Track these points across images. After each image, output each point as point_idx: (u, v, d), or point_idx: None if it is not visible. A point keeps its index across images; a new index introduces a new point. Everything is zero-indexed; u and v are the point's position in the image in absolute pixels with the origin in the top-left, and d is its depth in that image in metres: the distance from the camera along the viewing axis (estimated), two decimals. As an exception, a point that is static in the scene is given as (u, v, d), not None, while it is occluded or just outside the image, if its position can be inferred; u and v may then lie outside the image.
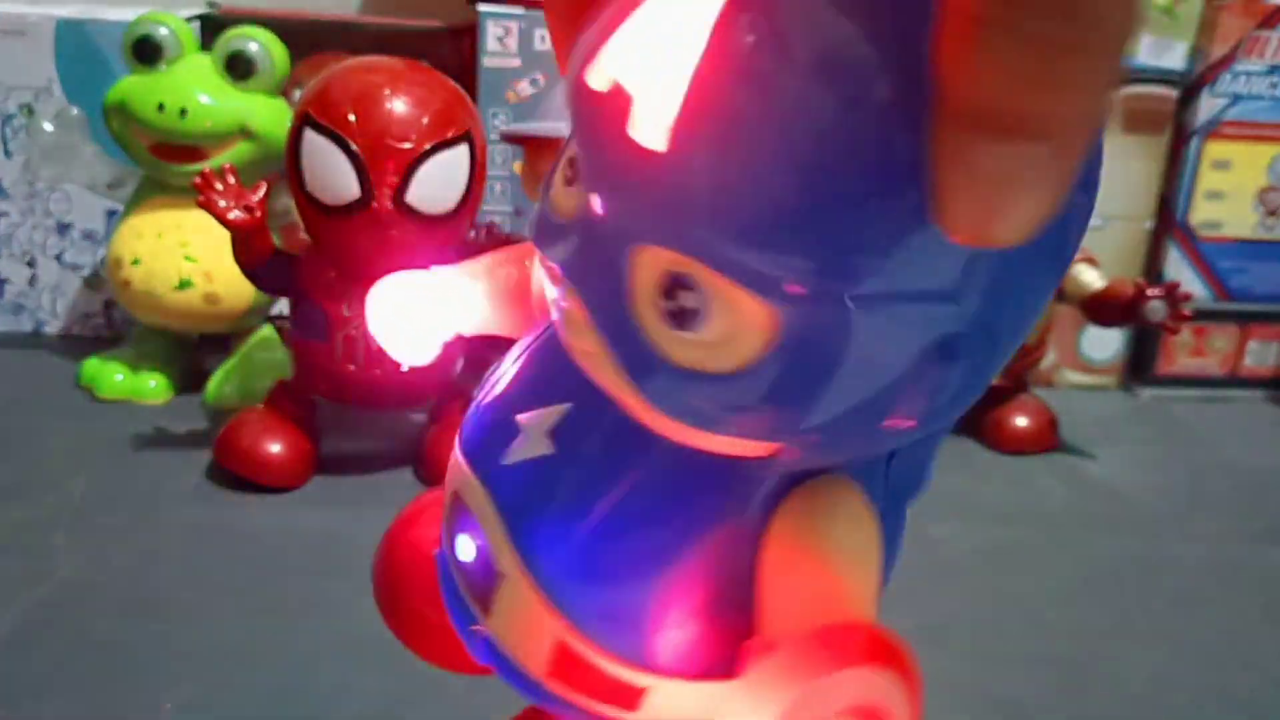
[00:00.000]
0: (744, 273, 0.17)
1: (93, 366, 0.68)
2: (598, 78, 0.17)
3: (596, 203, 0.18)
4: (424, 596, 0.27)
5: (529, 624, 0.22)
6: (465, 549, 0.23)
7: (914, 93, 0.15)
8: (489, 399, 0.24)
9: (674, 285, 0.17)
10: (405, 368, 0.29)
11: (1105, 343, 0.82)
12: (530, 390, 0.23)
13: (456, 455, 0.24)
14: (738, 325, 0.17)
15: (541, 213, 0.20)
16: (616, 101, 0.17)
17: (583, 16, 0.18)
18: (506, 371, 0.24)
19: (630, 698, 0.22)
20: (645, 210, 0.17)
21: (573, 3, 0.19)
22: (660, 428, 0.20)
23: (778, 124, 0.15)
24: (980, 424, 0.69)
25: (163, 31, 0.65)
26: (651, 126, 0.16)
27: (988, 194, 0.14)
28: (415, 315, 0.27)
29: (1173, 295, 0.61)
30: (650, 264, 0.18)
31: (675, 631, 0.21)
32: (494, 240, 0.69)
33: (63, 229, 0.76)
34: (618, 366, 0.19)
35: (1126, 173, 0.79)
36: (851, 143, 0.15)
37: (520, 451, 0.22)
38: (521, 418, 0.22)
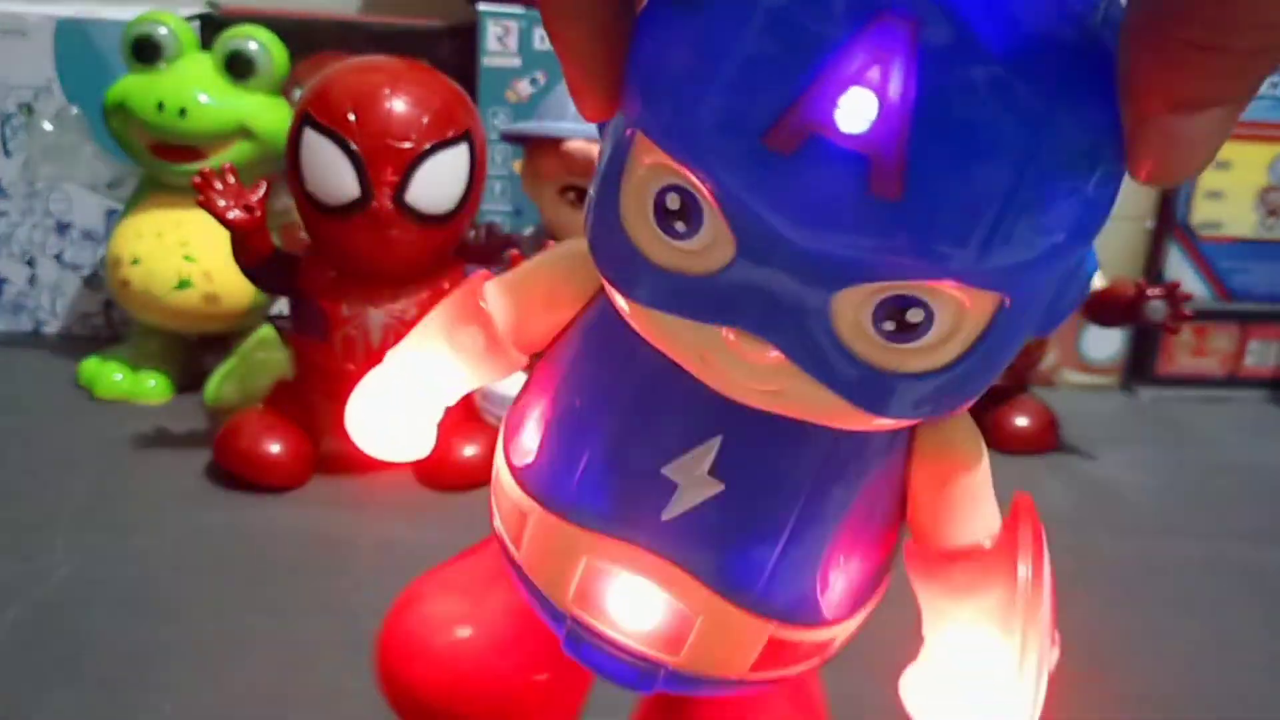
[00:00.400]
0: (979, 276, 0.18)
1: (92, 366, 0.68)
2: (788, 138, 0.16)
3: (782, 259, 0.18)
4: (453, 696, 0.28)
5: (736, 642, 0.23)
6: (633, 612, 0.23)
7: (1105, 82, 0.16)
8: (585, 466, 0.23)
9: (893, 307, 0.18)
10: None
11: (1105, 343, 0.82)
12: (650, 439, 0.22)
13: (571, 530, 0.23)
14: (962, 320, 0.18)
15: (637, 269, 0.20)
16: (827, 159, 0.16)
17: (613, 57, 0.19)
18: (572, 431, 0.23)
19: (823, 649, 0.24)
20: (870, 254, 0.17)
21: (603, 44, 0.19)
22: (854, 427, 0.21)
23: (1001, 139, 0.16)
24: (980, 424, 0.69)
25: (162, 31, 0.64)
26: (886, 177, 0.16)
27: (1181, 149, 0.17)
28: (399, 415, 0.27)
29: (1173, 295, 0.61)
30: (861, 298, 0.18)
31: (854, 581, 0.23)
32: (494, 239, 0.69)
33: (62, 229, 0.76)
34: (834, 395, 0.19)
35: (1127, 172, 0.79)
36: (1063, 135, 0.17)
37: (684, 502, 0.22)
38: (669, 470, 0.22)
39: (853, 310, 0.18)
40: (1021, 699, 0.22)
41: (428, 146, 0.53)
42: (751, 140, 0.17)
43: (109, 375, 0.67)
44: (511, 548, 0.25)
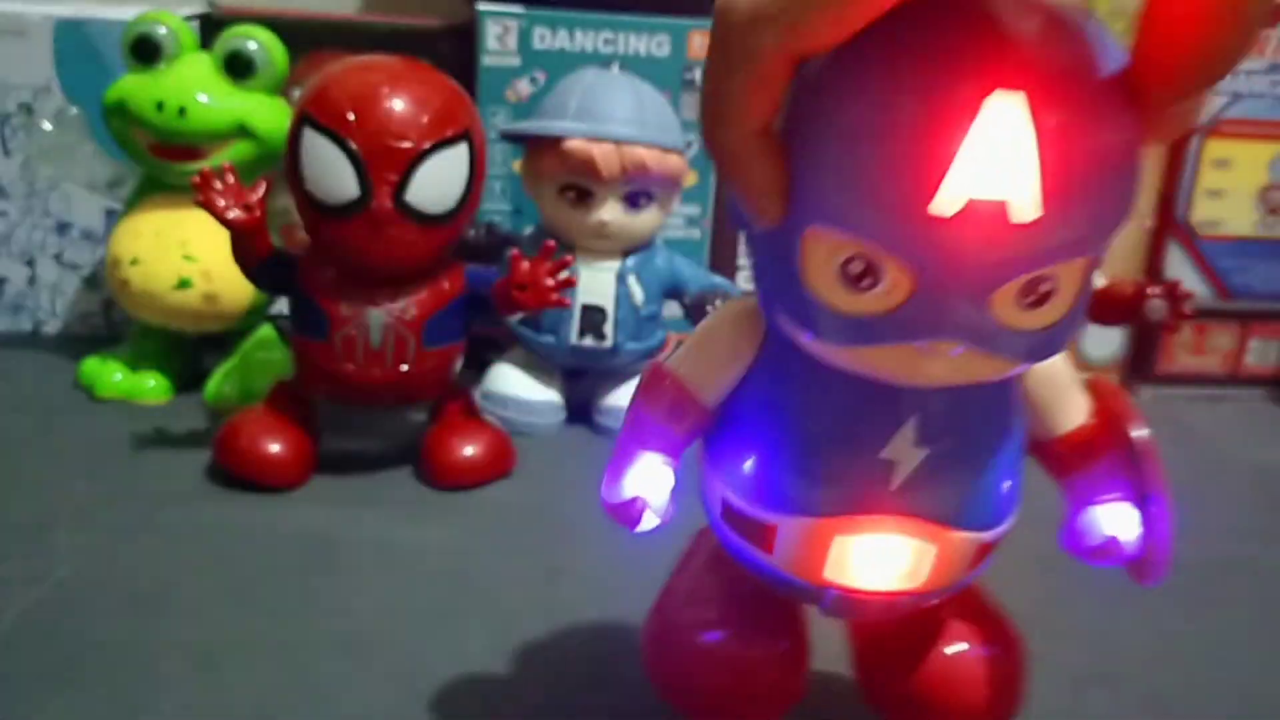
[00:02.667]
0: (1090, 248, 0.26)
1: (92, 366, 0.68)
2: (949, 206, 0.23)
3: (953, 283, 0.25)
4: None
5: (962, 557, 0.32)
6: (881, 563, 0.31)
7: (1132, 96, 0.25)
8: (821, 472, 0.30)
9: (1030, 287, 0.26)
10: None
11: (1105, 342, 0.82)
12: (864, 436, 0.30)
13: (821, 523, 0.30)
14: (1071, 279, 0.27)
15: (830, 322, 0.27)
16: (979, 211, 0.23)
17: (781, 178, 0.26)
18: (795, 451, 0.30)
19: (999, 542, 0.33)
20: (1020, 260, 0.25)
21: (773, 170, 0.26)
22: (1010, 374, 0.29)
23: (1093, 157, 0.24)
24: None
25: (161, 30, 0.64)
26: (1026, 208, 0.24)
27: (1183, 117, 0.26)
28: (661, 496, 0.32)
29: (1173, 294, 0.61)
30: (1014, 289, 0.26)
31: (1016, 484, 0.33)
32: (494, 239, 0.69)
33: (62, 228, 0.76)
34: (1001, 359, 0.27)
35: (1127, 171, 0.79)
36: (1122, 140, 0.25)
37: (904, 470, 0.30)
38: (886, 453, 0.29)
39: (1003, 299, 0.26)
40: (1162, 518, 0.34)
41: (427, 146, 0.53)
42: (920, 214, 0.24)
43: (109, 375, 0.67)
44: (760, 555, 0.32)
